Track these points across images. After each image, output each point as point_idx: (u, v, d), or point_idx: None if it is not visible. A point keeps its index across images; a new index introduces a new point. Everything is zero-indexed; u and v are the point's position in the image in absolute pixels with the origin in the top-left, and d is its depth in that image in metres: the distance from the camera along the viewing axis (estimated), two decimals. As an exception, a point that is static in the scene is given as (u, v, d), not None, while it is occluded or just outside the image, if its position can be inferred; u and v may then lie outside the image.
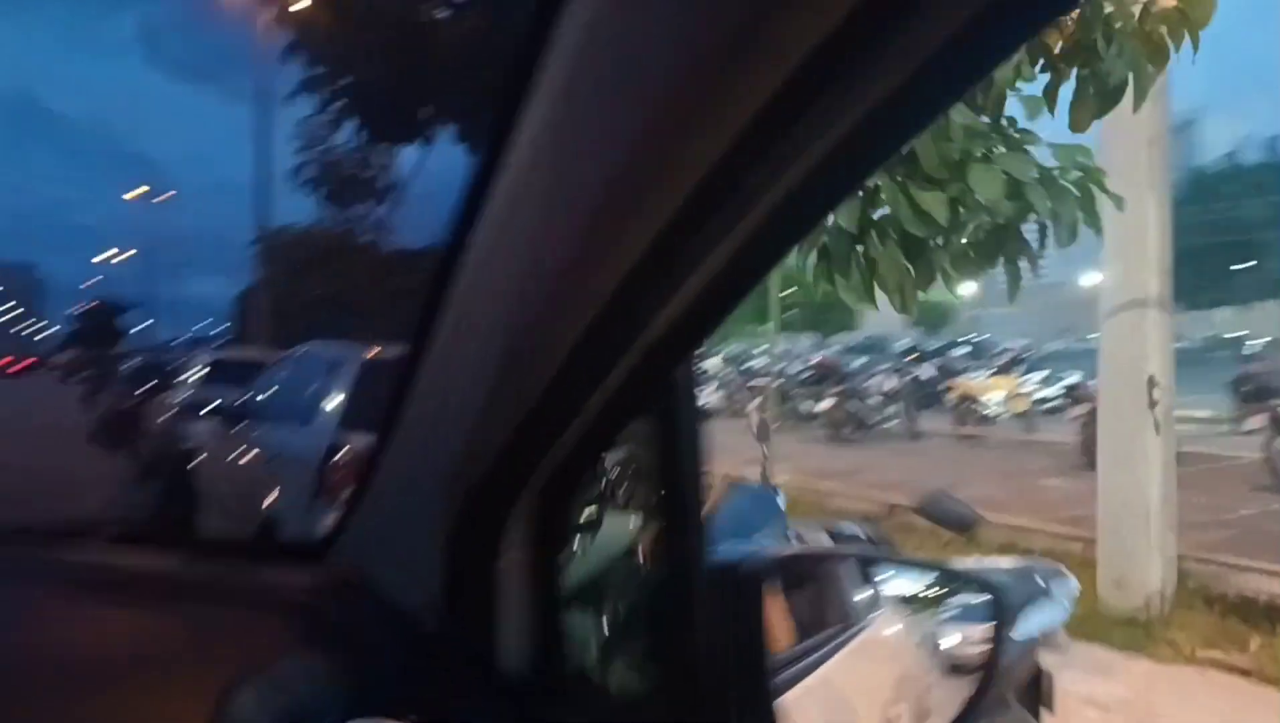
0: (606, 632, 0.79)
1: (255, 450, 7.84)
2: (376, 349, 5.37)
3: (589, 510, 0.78)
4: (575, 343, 0.56)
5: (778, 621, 0.80)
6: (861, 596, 0.90)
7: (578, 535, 0.75)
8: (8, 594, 0.83)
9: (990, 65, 0.39)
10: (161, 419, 11.34)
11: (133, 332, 58.94)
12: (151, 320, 63.93)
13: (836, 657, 0.84)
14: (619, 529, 0.79)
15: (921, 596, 0.92)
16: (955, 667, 0.86)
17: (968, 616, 0.87)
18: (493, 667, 0.71)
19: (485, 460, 0.67)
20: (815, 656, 0.82)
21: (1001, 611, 0.83)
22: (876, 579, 0.92)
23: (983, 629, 0.83)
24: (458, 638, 0.72)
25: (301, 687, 0.69)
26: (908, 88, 0.37)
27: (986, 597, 0.84)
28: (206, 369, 10.86)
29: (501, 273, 0.57)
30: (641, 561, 0.71)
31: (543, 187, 0.51)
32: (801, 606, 0.83)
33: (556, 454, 0.67)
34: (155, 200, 57.78)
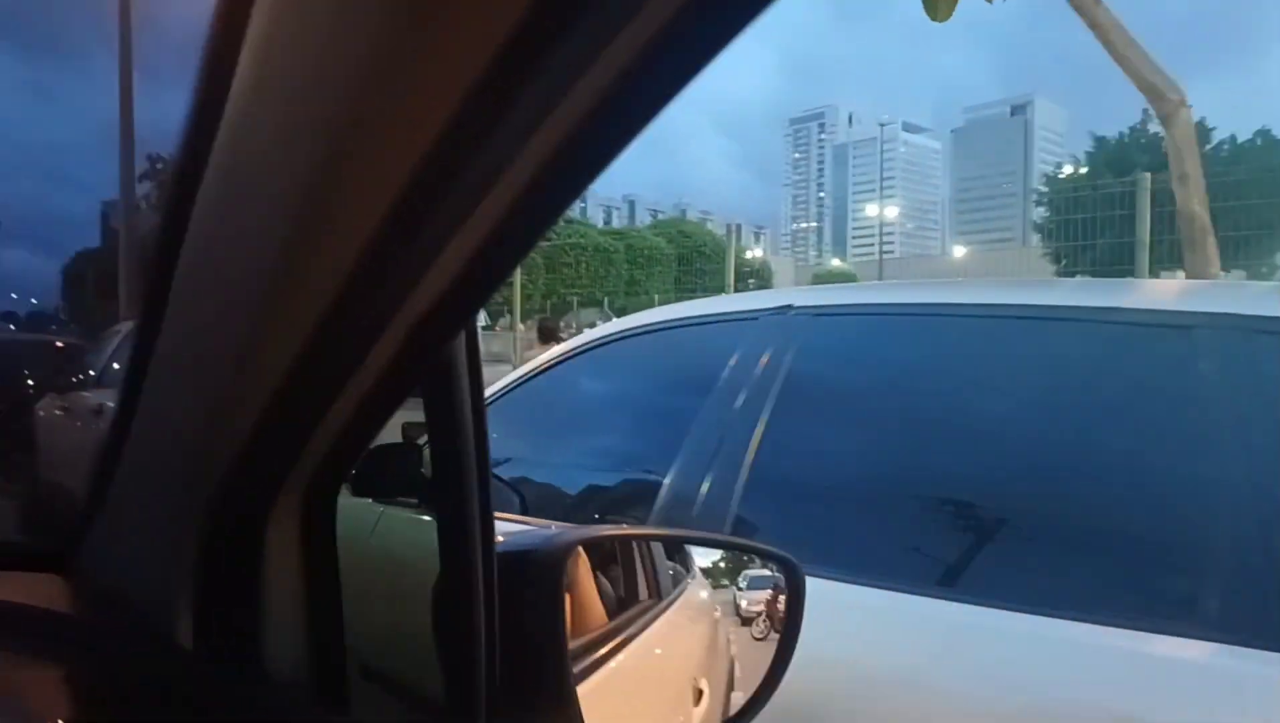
0: (391, 633, 0.75)
1: (3, 438, 7.98)
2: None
3: (363, 504, 0.73)
4: (318, 325, 0.51)
5: (587, 603, 0.79)
6: (670, 571, 0.91)
7: (352, 531, 0.70)
8: None
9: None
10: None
11: None
12: None
13: (646, 632, 0.84)
14: (398, 523, 0.75)
15: (723, 567, 0.95)
16: (758, 629, 0.90)
17: (765, 583, 0.91)
18: (258, 679, 0.66)
19: (227, 455, 0.61)
20: (623, 635, 0.81)
21: (796, 581, 0.88)
22: (683, 554, 0.94)
23: (777, 595, 0.89)
24: (215, 653, 0.67)
25: (35, 710, 0.64)
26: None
27: (780, 566, 0.89)
28: None
29: (229, 242, 0.52)
30: (425, 554, 0.67)
31: (261, 141, 0.46)
32: (612, 585, 0.82)
33: (318, 446, 0.61)
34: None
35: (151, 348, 0.62)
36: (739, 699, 0.85)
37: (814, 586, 1.34)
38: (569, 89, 0.37)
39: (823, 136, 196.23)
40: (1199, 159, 5.70)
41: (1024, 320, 1.51)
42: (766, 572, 0.93)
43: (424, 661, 0.68)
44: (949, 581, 1.30)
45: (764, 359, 1.64)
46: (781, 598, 0.90)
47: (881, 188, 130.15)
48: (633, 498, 1.76)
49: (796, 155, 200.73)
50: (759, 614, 0.90)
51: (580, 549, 0.78)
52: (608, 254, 39.55)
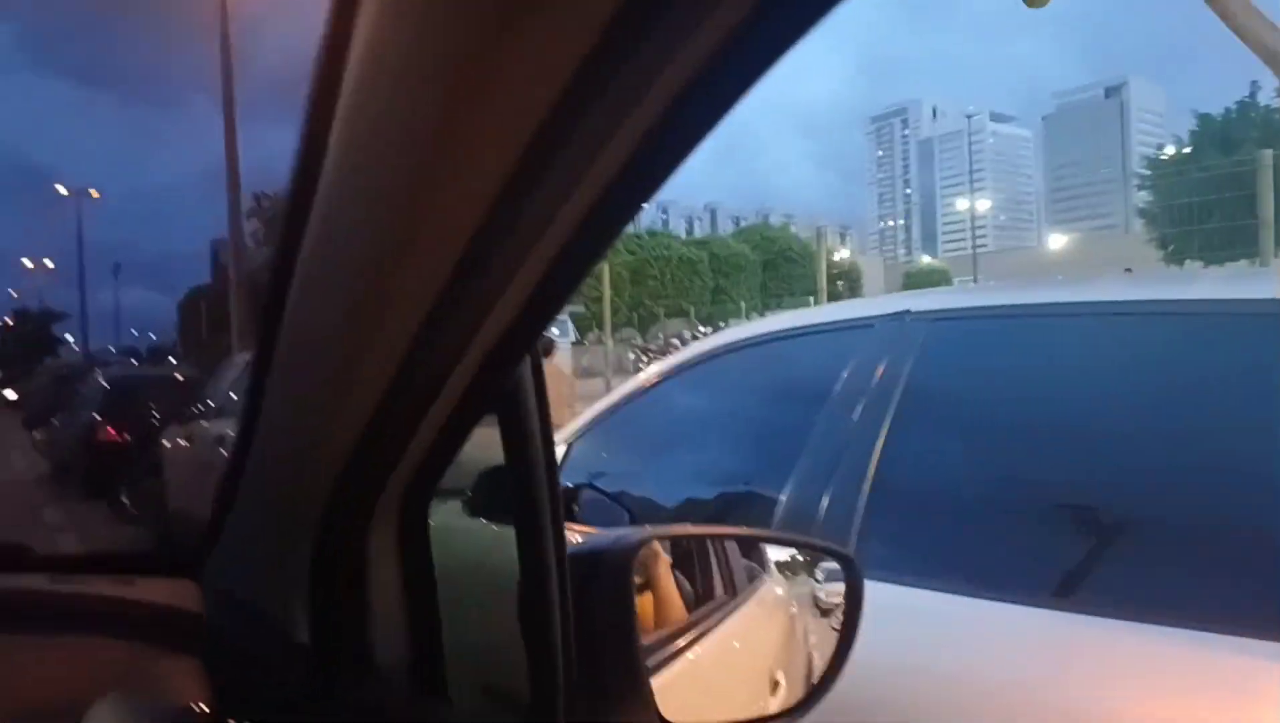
0: (485, 635, 0.79)
1: (138, 465, 8.52)
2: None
3: (452, 512, 0.79)
4: (406, 352, 0.57)
5: (668, 599, 0.82)
6: (746, 567, 0.94)
7: (444, 539, 0.75)
8: None
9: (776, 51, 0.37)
10: (59, 436, 11.85)
11: (59, 345, 58.71)
12: (71, 335, 62.34)
13: (723, 625, 0.87)
14: (482, 530, 0.80)
15: (801, 562, 0.99)
16: (836, 620, 0.93)
17: (832, 577, 0.94)
18: (367, 676, 0.72)
19: (335, 472, 0.67)
20: (701, 628, 0.85)
21: (854, 577, 0.91)
22: (759, 551, 0.97)
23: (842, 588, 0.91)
24: (330, 649, 0.73)
25: (173, 698, 0.71)
26: (698, 81, 0.37)
27: (838, 562, 0.93)
28: (107, 385, 11.21)
29: (327, 287, 0.58)
30: (505, 559, 0.72)
31: (354, 188, 0.51)
32: (690, 582, 0.86)
33: (409, 461, 0.67)
34: (73, 202, 55.65)
35: (263, 384, 0.69)
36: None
37: (942, 601, 1.31)
38: (618, 126, 0.40)
39: (906, 132, 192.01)
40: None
41: (1158, 317, 1.44)
42: (829, 565, 0.97)
43: (513, 659, 0.72)
44: (1084, 594, 1.26)
45: (881, 368, 1.60)
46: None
47: (971, 180, 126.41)
48: (750, 513, 1.76)
49: (880, 153, 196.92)
50: (838, 606, 0.93)
51: (659, 547, 0.82)
52: (692, 264, 39.59)
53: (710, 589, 0.90)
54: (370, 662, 0.72)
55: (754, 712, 0.85)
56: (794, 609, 0.95)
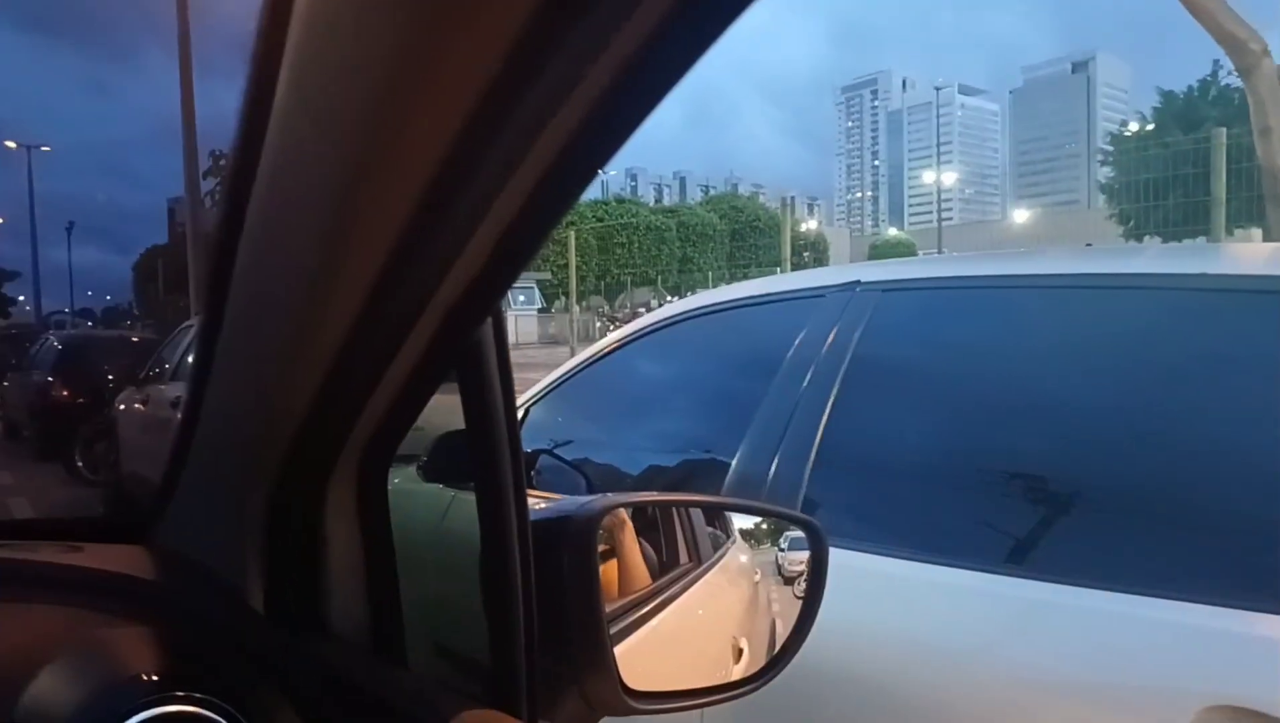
0: (445, 601, 0.79)
1: (92, 428, 8.38)
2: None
3: (410, 476, 0.78)
4: (360, 310, 0.55)
5: (632, 565, 0.82)
6: (710, 535, 0.95)
7: (403, 503, 0.74)
8: None
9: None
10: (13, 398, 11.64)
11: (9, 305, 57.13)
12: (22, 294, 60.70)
13: (687, 593, 0.88)
14: (442, 494, 0.79)
15: (765, 530, 0.99)
16: (799, 588, 0.93)
17: (805, 545, 0.94)
18: (321, 641, 0.71)
19: (290, 432, 0.66)
20: (664, 595, 0.85)
21: (819, 544, 0.92)
22: (724, 519, 0.97)
23: (807, 556, 0.93)
24: (284, 614, 0.72)
25: (109, 668, 0.69)
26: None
27: (804, 530, 0.94)
28: (60, 346, 10.97)
29: (279, 238, 0.57)
30: (466, 524, 0.71)
31: (303, 145, 0.49)
32: (654, 550, 0.86)
33: (367, 422, 0.66)
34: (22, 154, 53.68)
35: (214, 342, 0.67)
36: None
37: (884, 564, 1.33)
38: (573, 85, 0.40)
39: (876, 104, 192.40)
40: (1284, 112, 5.47)
41: (1102, 290, 1.47)
42: (794, 533, 0.97)
43: (473, 625, 0.72)
44: (1020, 558, 1.28)
45: (831, 337, 1.63)
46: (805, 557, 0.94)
47: (939, 153, 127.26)
48: (701, 479, 1.77)
49: (849, 124, 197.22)
50: (800, 574, 0.93)
51: (624, 515, 0.80)
52: (660, 232, 39.50)
53: (675, 557, 0.90)
54: (326, 626, 0.72)
55: (717, 679, 0.84)
56: (758, 577, 0.95)
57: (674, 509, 0.92)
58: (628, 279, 33.97)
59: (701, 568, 0.91)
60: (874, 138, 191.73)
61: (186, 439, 0.79)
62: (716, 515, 0.97)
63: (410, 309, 0.56)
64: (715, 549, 0.94)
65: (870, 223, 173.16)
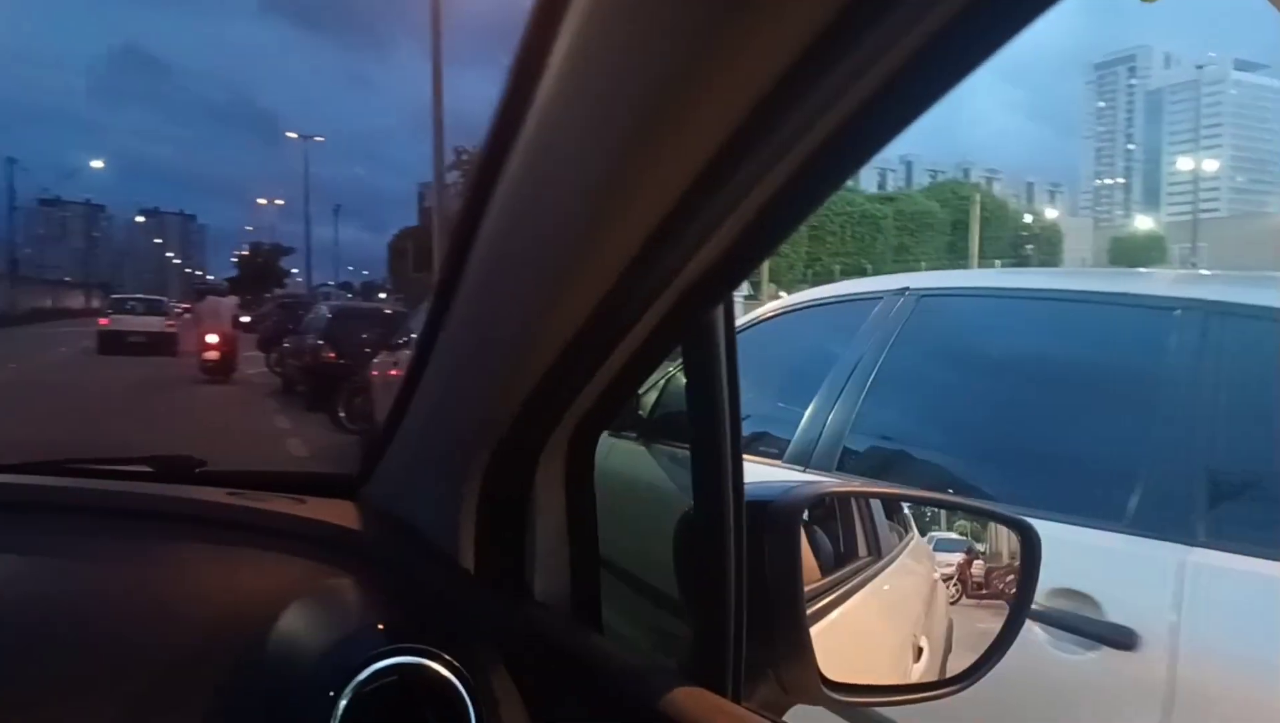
0: (643, 570, 0.82)
1: (351, 387, 9.33)
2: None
3: (626, 446, 0.81)
4: (608, 287, 0.57)
5: (811, 557, 0.80)
6: (891, 529, 0.93)
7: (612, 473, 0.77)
8: (53, 525, 0.88)
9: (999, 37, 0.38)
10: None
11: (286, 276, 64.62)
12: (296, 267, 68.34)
13: (865, 588, 0.86)
14: (656, 466, 0.82)
15: (953, 530, 0.97)
16: (949, 592, 0.91)
17: (954, 547, 0.93)
18: (527, 603, 0.73)
19: (516, 402, 0.68)
20: (845, 589, 0.84)
21: (1031, 548, 0.87)
22: (903, 515, 0.96)
23: (1012, 565, 0.89)
24: (493, 576, 0.75)
25: (342, 615, 0.73)
26: (920, 58, 0.38)
27: (1018, 534, 0.89)
28: (329, 315, 12.63)
29: (530, 219, 0.58)
30: (678, 497, 0.72)
31: (570, 133, 0.51)
32: (833, 539, 0.86)
33: (588, 394, 0.68)
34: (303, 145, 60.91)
35: (449, 307, 0.70)
36: (957, 662, 0.85)
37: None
38: (837, 98, 0.40)
39: (1133, 82, 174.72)
40: None
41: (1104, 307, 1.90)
42: (955, 536, 0.94)
43: (669, 591, 0.75)
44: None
45: (879, 333, 2.11)
46: (976, 563, 0.91)
47: (1202, 137, 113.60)
48: (767, 442, 2.33)
49: (1101, 104, 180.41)
50: (949, 578, 0.91)
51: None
52: (875, 221, 38.53)
53: (853, 549, 0.88)
54: (530, 591, 0.74)
55: (898, 678, 0.83)
56: (937, 576, 0.92)
57: (853, 500, 0.91)
58: (837, 267, 33.48)
59: (881, 562, 0.89)
60: (1129, 119, 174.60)
61: (404, 404, 0.82)
62: (896, 509, 0.95)
63: (649, 292, 0.57)
64: (895, 543, 0.92)
65: (1120, 212, 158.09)
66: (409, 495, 0.86)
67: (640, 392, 0.74)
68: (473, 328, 0.70)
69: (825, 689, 0.71)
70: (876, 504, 0.93)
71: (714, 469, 0.65)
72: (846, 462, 1.99)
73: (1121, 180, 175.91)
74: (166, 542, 0.86)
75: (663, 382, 0.81)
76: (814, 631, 0.74)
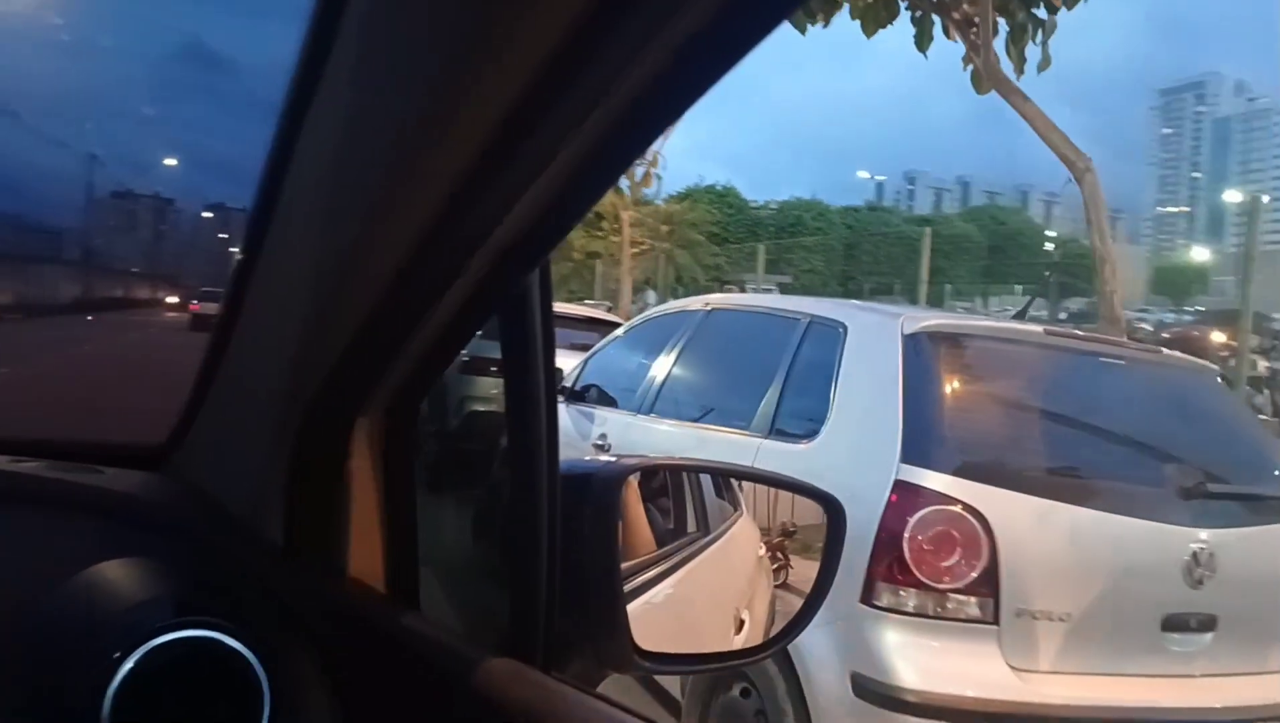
0: (463, 543, 0.81)
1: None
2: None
3: (445, 419, 0.81)
4: (408, 254, 0.56)
5: (636, 529, 0.82)
6: (718, 503, 0.95)
7: (432, 444, 0.77)
8: None
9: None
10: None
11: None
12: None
13: (691, 562, 0.88)
14: (477, 439, 0.82)
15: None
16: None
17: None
18: (338, 580, 0.72)
19: (323, 370, 0.66)
20: (671, 561, 0.86)
21: (836, 519, 0.89)
22: (732, 491, 0.98)
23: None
24: (301, 552, 0.73)
25: (130, 590, 0.70)
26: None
27: (823, 506, 0.90)
28: None
29: (329, 182, 0.58)
30: (494, 471, 0.73)
31: (361, 97, 0.51)
32: (660, 514, 0.87)
33: (401, 365, 0.66)
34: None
35: (253, 267, 0.69)
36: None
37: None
38: (626, 70, 0.41)
39: (1201, 109, 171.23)
40: None
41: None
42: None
43: (489, 575, 0.74)
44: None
45: (683, 335, 3.46)
46: (787, 538, 0.94)
47: (1274, 167, 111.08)
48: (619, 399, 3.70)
49: (1166, 130, 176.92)
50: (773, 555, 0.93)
51: (632, 479, 0.80)
52: (911, 242, 39.42)
53: (683, 524, 0.90)
54: (344, 568, 0.72)
55: (719, 647, 0.85)
56: (762, 551, 0.94)
57: (684, 475, 0.93)
58: (867, 287, 34.44)
59: (709, 537, 0.91)
60: (1195, 146, 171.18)
61: (213, 368, 0.79)
62: (726, 486, 0.97)
63: (459, 254, 0.56)
64: (723, 520, 0.93)
65: (1181, 241, 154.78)
66: (216, 466, 0.84)
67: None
68: (276, 294, 0.69)
69: (638, 659, 0.72)
70: (707, 482, 0.94)
71: (528, 441, 0.65)
72: (657, 404, 3.29)
73: (1185, 209, 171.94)
74: None
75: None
76: (636, 603, 0.75)
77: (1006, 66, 6.91)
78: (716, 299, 3.66)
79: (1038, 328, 2.85)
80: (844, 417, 2.50)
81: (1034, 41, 6.69)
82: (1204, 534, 2.32)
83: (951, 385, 2.44)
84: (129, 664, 0.63)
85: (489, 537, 0.77)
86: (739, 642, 0.86)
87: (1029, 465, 2.34)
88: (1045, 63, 6.65)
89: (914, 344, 2.45)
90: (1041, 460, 2.38)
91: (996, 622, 2.15)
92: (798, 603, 0.87)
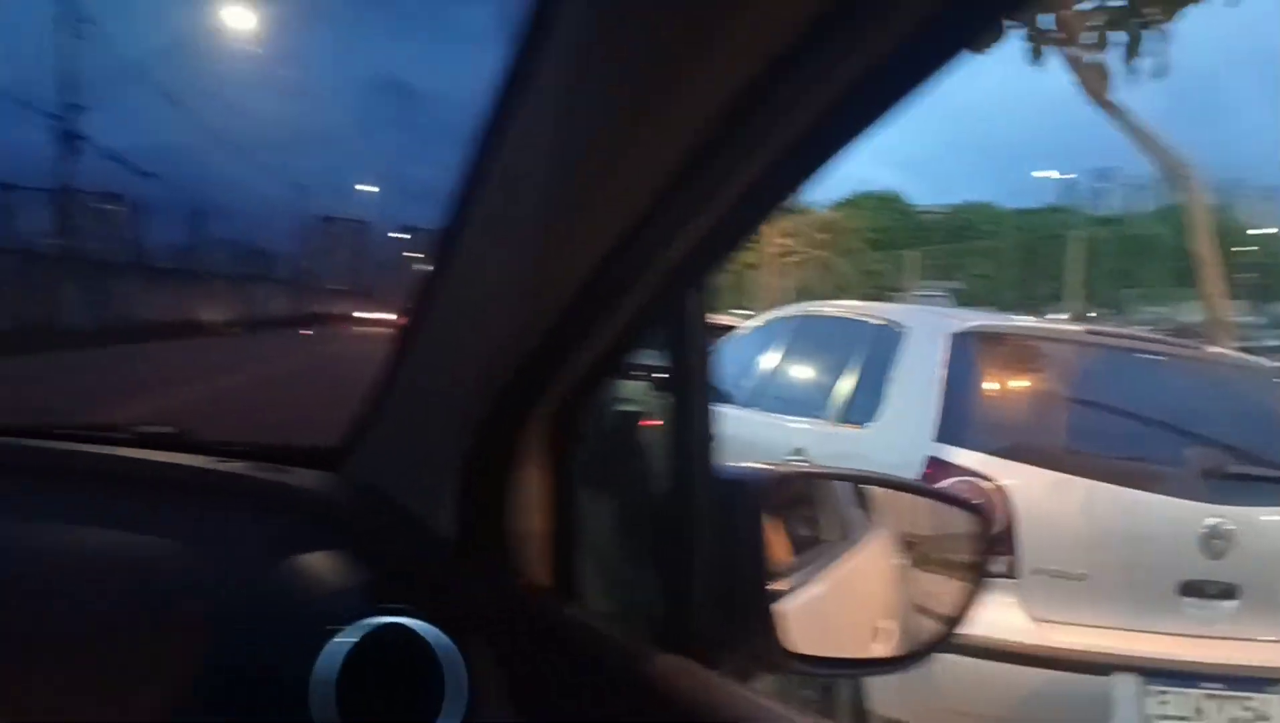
0: (620, 542, 0.83)
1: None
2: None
3: (604, 424, 0.83)
4: (593, 268, 0.58)
5: (777, 536, 0.83)
6: (857, 517, 0.96)
7: (592, 447, 0.79)
8: (38, 488, 0.90)
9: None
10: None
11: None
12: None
13: (831, 570, 0.89)
14: (633, 443, 0.85)
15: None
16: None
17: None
18: (508, 575, 0.75)
19: (500, 379, 0.70)
20: (810, 569, 0.87)
21: (983, 531, 0.89)
22: (869, 502, 0.98)
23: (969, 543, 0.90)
24: (473, 548, 0.76)
25: (325, 580, 0.76)
26: (910, 41, 0.39)
27: (970, 516, 0.90)
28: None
29: (518, 203, 0.60)
30: (653, 474, 0.75)
31: (561, 115, 0.52)
32: (800, 522, 0.89)
33: (572, 371, 0.69)
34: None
35: (439, 282, 0.72)
36: (912, 644, 0.88)
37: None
38: (804, 95, 0.43)
39: None
40: None
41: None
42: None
43: (639, 567, 0.78)
44: None
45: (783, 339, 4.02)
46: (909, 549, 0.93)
47: None
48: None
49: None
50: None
51: (780, 484, 0.84)
52: (1095, 245, 37.34)
53: (818, 532, 0.92)
54: (512, 562, 0.75)
55: (859, 654, 0.86)
56: (898, 562, 0.94)
57: (823, 485, 0.94)
58: (1040, 293, 32.89)
59: (846, 546, 0.93)
60: None
61: (389, 381, 0.83)
62: (862, 497, 0.97)
63: (635, 271, 0.59)
64: (860, 530, 0.95)
65: None
66: (391, 468, 0.88)
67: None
68: (461, 306, 0.72)
69: (789, 661, 0.73)
70: (845, 492, 0.95)
71: (686, 449, 0.68)
72: (758, 398, 3.79)
73: None
74: (149, 505, 0.87)
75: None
76: (779, 606, 0.77)
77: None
78: (811, 307, 4.13)
79: (1079, 327, 3.14)
80: (895, 405, 2.94)
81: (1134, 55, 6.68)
82: (1223, 510, 2.59)
83: (986, 377, 2.83)
84: (342, 641, 0.67)
85: (639, 535, 0.80)
86: (877, 651, 0.88)
87: (1050, 445, 2.69)
88: (1160, 71, 6.65)
89: (959, 342, 2.86)
90: (1062, 441, 2.72)
91: (1016, 577, 2.53)
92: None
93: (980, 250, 35.75)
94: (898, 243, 34.81)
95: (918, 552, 0.97)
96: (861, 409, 3.10)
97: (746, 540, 0.74)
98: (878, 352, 3.18)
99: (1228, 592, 2.60)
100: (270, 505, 0.88)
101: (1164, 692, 2.46)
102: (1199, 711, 2.47)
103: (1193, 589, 2.59)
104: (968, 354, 2.85)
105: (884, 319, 3.33)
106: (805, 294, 23.44)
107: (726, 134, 0.46)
